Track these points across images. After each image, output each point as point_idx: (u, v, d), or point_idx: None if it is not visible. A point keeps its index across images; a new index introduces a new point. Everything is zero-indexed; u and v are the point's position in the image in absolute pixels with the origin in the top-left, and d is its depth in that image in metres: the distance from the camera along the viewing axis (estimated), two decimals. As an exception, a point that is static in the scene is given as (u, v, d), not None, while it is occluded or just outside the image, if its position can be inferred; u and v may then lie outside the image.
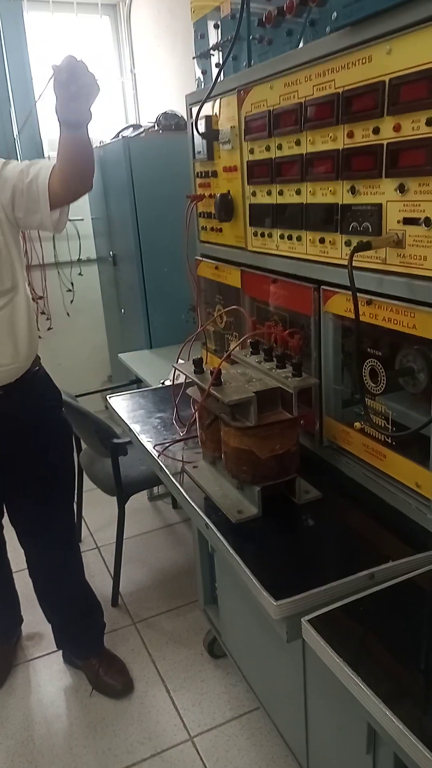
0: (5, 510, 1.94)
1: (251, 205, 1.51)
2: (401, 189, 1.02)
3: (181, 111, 2.81)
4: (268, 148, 1.39)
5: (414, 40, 0.94)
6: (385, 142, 1.04)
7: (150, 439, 1.62)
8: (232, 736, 1.87)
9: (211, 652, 2.17)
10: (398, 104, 0.99)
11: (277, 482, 1.26)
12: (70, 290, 4.08)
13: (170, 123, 3.02)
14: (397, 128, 1.01)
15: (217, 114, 1.60)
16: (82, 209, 3.71)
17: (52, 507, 1.89)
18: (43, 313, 4.01)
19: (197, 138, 1.68)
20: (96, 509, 3.02)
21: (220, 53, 1.60)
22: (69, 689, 2.10)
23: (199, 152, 1.71)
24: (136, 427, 1.71)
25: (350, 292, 1.09)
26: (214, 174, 1.68)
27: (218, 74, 1.49)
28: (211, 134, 1.63)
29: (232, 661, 1.97)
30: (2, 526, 2.03)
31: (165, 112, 3.05)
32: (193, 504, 1.31)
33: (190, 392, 1.42)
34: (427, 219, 0.98)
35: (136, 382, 2.89)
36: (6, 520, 1.96)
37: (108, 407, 1.95)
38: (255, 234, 1.52)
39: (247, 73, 1.43)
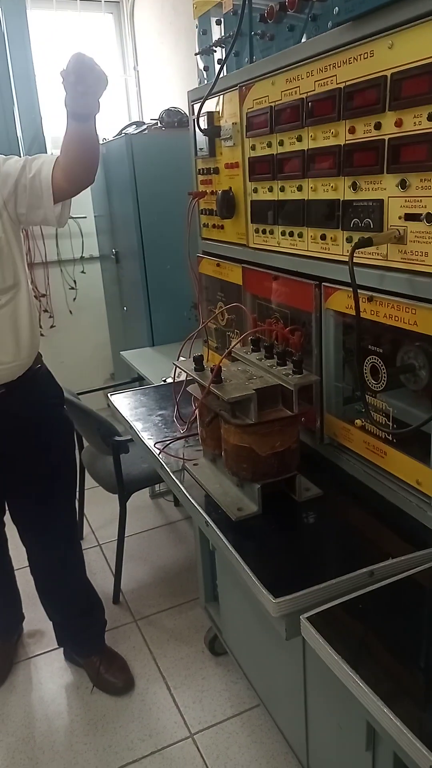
0: (7, 507, 1.94)
1: (253, 201, 1.51)
2: (403, 185, 1.02)
3: (184, 108, 2.80)
4: (269, 145, 1.38)
5: (416, 35, 0.94)
6: (386, 138, 1.03)
7: (151, 437, 1.62)
8: (233, 734, 1.87)
9: (212, 650, 2.17)
10: (400, 99, 0.99)
11: (278, 480, 1.25)
12: (72, 288, 4.08)
13: (173, 120, 3.01)
14: (398, 123, 1.00)
15: (219, 110, 1.60)
16: (84, 206, 3.71)
17: (54, 505, 1.89)
18: (45, 310, 4.01)
19: (199, 135, 1.67)
20: (98, 507, 3.02)
21: (223, 49, 1.60)
22: (70, 686, 2.11)
23: (201, 149, 1.70)
24: (137, 425, 1.71)
25: (351, 289, 1.08)
26: (216, 171, 1.67)
27: (220, 70, 1.48)
28: (213, 131, 1.63)
29: (233, 658, 1.97)
30: (4, 524, 2.03)
31: (168, 109, 3.04)
32: (193, 501, 1.31)
33: (190, 390, 1.41)
34: (428, 215, 0.98)
35: (138, 380, 2.89)
36: (8, 517, 1.97)
37: (109, 405, 1.95)
38: (256, 231, 1.51)
39: (248, 69, 1.42)
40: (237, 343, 1.45)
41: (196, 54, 1.74)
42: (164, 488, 3.19)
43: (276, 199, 1.40)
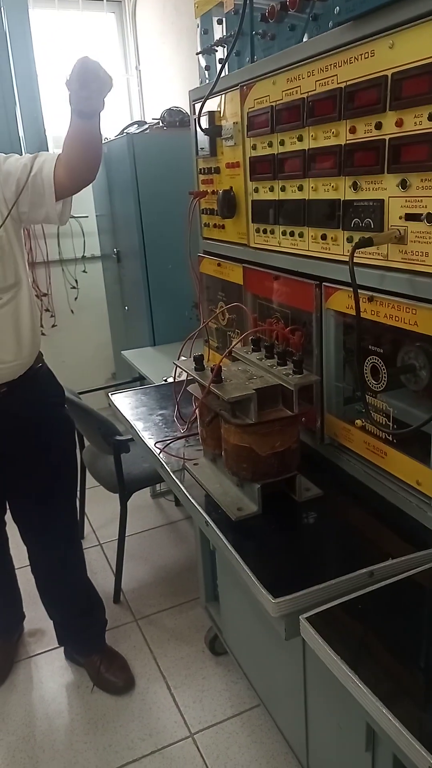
0: (8, 507, 1.94)
1: (253, 201, 1.51)
2: (403, 185, 1.02)
3: (186, 107, 2.80)
4: (270, 144, 1.38)
5: (416, 35, 0.93)
6: (387, 138, 1.03)
7: (151, 436, 1.62)
8: (233, 733, 1.87)
9: (212, 650, 2.17)
10: (400, 99, 0.99)
11: (278, 480, 1.25)
12: (74, 287, 4.08)
13: (175, 119, 3.01)
14: (399, 123, 1.00)
15: (220, 110, 1.59)
16: (86, 206, 3.71)
17: (55, 504, 1.89)
18: (47, 310, 4.01)
19: (200, 134, 1.67)
20: (99, 506, 3.02)
21: (224, 49, 1.60)
22: (70, 686, 2.11)
23: (202, 148, 1.70)
24: (137, 424, 1.71)
25: (352, 289, 1.08)
26: (217, 170, 1.67)
27: (221, 70, 1.48)
28: (214, 130, 1.62)
29: (233, 658, 1.97)
30: (5, 523, 2.03)
31: (169, 109, 3.04)
32: (193, 501, 1.31)
33: (191, 389, 1.41)
34: (429, 215, 0.98)
35: (139, 380, 2.89)
36: (8, 516, 1.97)
37: (110, 404, 1.95)
38: (257, 230, 1.51)
39: (249, 68, 1.42)
40: (237, 342, 1.45)
41: (197, 53, 1.74)
42: (165, 488, 3.19)
43: (277, 198, 1.40)
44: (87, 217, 3.81)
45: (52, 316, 4.04)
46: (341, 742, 1.31)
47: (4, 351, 1.65)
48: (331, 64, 1.13)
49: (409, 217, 1.02)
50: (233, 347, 1.43)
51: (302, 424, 1.37)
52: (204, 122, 1.63)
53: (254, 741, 1.84)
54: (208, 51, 1.68)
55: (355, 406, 1.33)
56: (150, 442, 1.58)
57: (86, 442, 2.74)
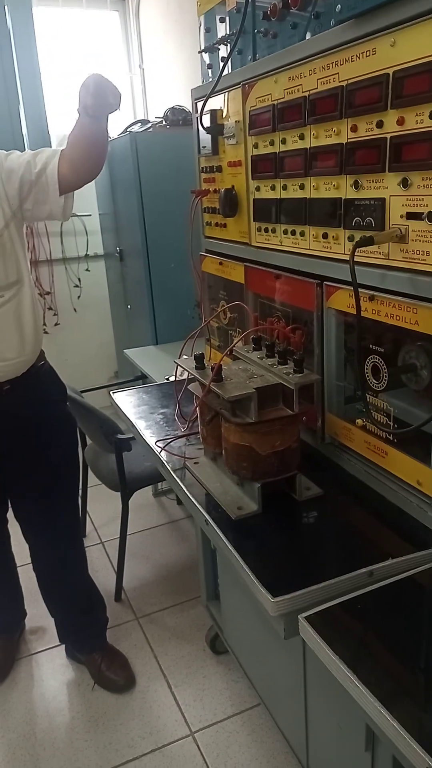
0: (9, 505, 1.95)
1: (255, 200, 1.50)
2: (404, 183, 1.01)
3: (189, 106, 2.79)
4: (272, 143, 1.38)
5: (417, 33, 0.93)
6: (388, 136, 1.03)
7: (152, 435, 1.62)
8: (233, 732, 1.87)
9: (213, 648, 2.17)
10: (402, 97, 0.98)
11: (278, 479, 1.25)
12: (77, 286, 4.08)
13: (178, 118, 3.01)
14: (400, 122, 0.99)
15: (222, 108, 1.59)
16: (89, 205, 3.71)
17: (57, 502, 1.90)
18: (50, 308, 4.02)
19: (202, 133, 1.67)
20: (101, 504, 3.03)
21: (227, 47, 1.59)
22: (71, 683, 2.11)
23: (204, 147, 1.70)
24: (139, 423, 1.71)
25: (352, 288, 1.08)
26: (219, 169, 1.67)
27: (223, 68, 1.48)
28: (216, 129, 1.62)
29: (234, 657, 1.97)
30: (7, 521, 2.03)
31: (173, 107, 3.04)
32: (193, 500, 1.31)
33: (191, 388, 1.41)
34: (430, 213, 0.97)
35: (142, 378, 2.89)
36: (10, 514, 1.97)
37: (112, 403, 1.95)
38: (259, 229, 1.51)
39: (251, 66, 1.42)
40: (238, 341, 1.45)
41: (199, 51, 1.74)
42: (167, 486, 3.19)
43: (278, 197, 1.40)
44: (90, 215, 3.81)
45: (55, 314, 4.05)
46: (341, 741, 1.31)
47: (7, 348, 1.65)
48: (332, 63, 1.13)
49: (410, 215, 1.02)
50: (234, 346, 1.43)
51: (303, 423, 1.37)
52: (206, 121, 1.62)
53: (254, 740, 1.84)
54: (210, 49, 1.68)
55: (355, 405, 1.33)
56: (151, 441, 1.58)
57: (88, 441, 2.75)
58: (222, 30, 1.61)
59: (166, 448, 1.52)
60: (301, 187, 1.30)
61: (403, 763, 0.79)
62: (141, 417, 1.76)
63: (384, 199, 1.07)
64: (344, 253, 1.20)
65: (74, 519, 2.04)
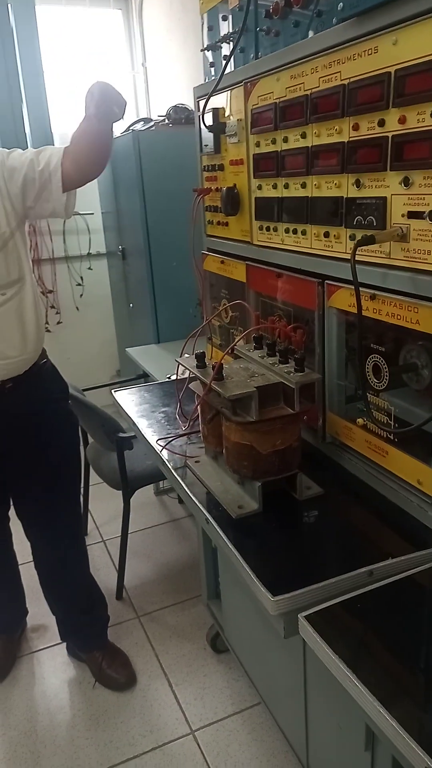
0: (11, 503, 1.95)
1: (257, 198, 1.50)
2: (406, 182, 1.01)
3: (192, 104, 2.79)
4: (274, 141, 1.38)
5: (419, 31, 0.93)
6: (390, 135, 1.02)
7: (154, 434, 1.62)
8: (233, 731, 1.87)
9: (213, 647, 2.17)
10: (404, 96, 0.98)
11: (279, 478, 1.25)
12: (79, 284, 4.09)
13: (180, 116, 3.01)
14: (402, 120, 0.99)
15: (225, 107, 1.59)
16: (92, 203, 3.71)
17: (58, 500, 1.90)
18: (52, 307, 4.02)
19: (204, 131, 1.67)
20: (102, 503, 3.03)
21: (229, 45, 1.59)
22: (72, 681, 2.12)
23: (206, 145, 1.70)
24: (140, 422, 1.71)
25: (354, 287, 1.08)
26: (221, 167, 1.67)
27: (225, 66, 1.48)
28: (218, 127, 1.62)
29: (234, 656, 1.97)
30: (9, 519, 2.04)
31: (175, 106, 3.04)
32: (194, 499, 1.31)
33: (192, 387, 1.41)
34: (431, 212, 0.97)
35: (143, 377, 2.89)
36: (12, 512, 1.98)
37: (114, 401, 1.95)
38: (260, 228, 1.51)
39: (254, 65, 1.42)
40: (239, 340, 1.44)
41: (202, 50, 1.74)
42: (168, 485, 3.19)
43: (280, 196, 1.39)
44: (92, 214, 3.81)
45: (57, 312, 4.05)
46: (341, 741, 1.31)
47: (10, 347, 1.65)
48: (334, 61, 1.13)
49: (412, 214, 1.01)
50: (235, 345, 1.43)
51: (304, 423, 1.37)
52: (208, 119, 1.62)
53: (255, 739, 1.84)
54: (213, 47, 1.68)
55: (357, 404, 1.33)
56: (152, 440, 1.58)
57: (90, 439, 2.75)
58: (225, 28, 1.61)
59: (167, 446, 1.52)
60: (303, 185, 1.29)
61: (402, 763, 0.79)
62: (142, 415, 1.76)
63: (385, 198, 1.06)
64: (345, 252, 1.20)
65: (76, 517, 2.04)
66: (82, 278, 4.08)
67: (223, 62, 1.56)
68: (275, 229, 1.44)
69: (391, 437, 1.19)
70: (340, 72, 1.12)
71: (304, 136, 1.26)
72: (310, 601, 0.98)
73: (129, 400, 1.89)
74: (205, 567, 2.06)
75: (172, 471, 1.43)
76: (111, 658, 2.11)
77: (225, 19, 1.59)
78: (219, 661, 2.14)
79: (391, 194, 1.05)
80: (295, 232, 1.36)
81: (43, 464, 1.81)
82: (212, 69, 1.72)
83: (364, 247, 1.09)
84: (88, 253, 4.03)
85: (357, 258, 1.07)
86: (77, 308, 4.11)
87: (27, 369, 1.71)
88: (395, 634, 0.94)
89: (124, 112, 1.50)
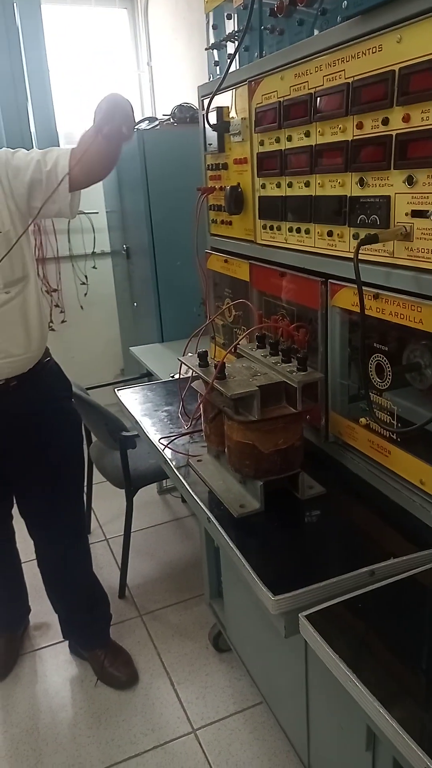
0: (15, 500, 1.95)
1: (261, 197, 1.50)
2: (409, 181, 1.01)
3: (197, 103, 2.79)
4: (278, 140, 1.38)
5: (424, 29, 0.92)
6: (394, 133, 1.02)
7: (157, 433, 1.62)
8: (235, 730, 1.87)
9: (216, 646, 2.17)
10: (408, 94, 0.98)
11: (281, 477, 1.25)
12: (84, 283, 4.09)
13: (185, 115, 3.00)
14: (406, 119, 0.99)
15: (229, 106, 1.59)
16: (96, 202, 3.72)
17: (62, 498, 1.90)
18: (57, 305, 4.03)
19: (208, 130, 1.67)
20: (106, 501, 3.03)
21: (233, 44, 1.59)
22: (74, 679, 2.12)
23: (211, 144, 1.70)
24: (143, 420, 1.71)
25: (357, 286, 1.07)
26: (225, 166, 1.67)
27: (229, 65, 1.47)
28: (223, 126, 1.62)
29: (237, 655, 1.97)
30: (12, 517, 2.04)
31: (180, 105, 3.04)
32: (196, 498, 1.30)
33: (195, 386, 1.41)
34: (435, 212, 0.97)
35: (147, 376, 2.89)
36: (15, 510, 1.98)
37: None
38: (264, 227, 1.51)
39: (258, 63, 1.41)
40: (241, 339, 1.44)
41: (206, 49, 1.73)
42: (171, 484, 3.19)
43: (283, 195, 1.39)
44: (97, 213, 3.82)
45: (61, 311, 4.06)
46: (342, 741, 1.30)
47: (14, 344, 1.65)
48: (338, 59, 1.12)
49: (416, 213, 1.01)
50: (237, 344, 1.43)
51: (306, 422, 1.37)
52: (212, 118, 1.62)
53: (256, 738, 1.84)
54: (217, 46, 1.68)
55: (359, 404, 1.32)
56: (155, 438, 1.58)
57: (93, 438, 2.75)
58: (229, 27, 1.61)
59: (169, 445, 1.51)
60: (307, 184, 1.29)
61: (403, 763, 0.78)
62: (145, 414, 1.76)
63: (389, 196, 1.06)
64: (349, 251, 1.20)
65: (79, 516, 2.04)
66: (86, 277, 4.08)
67: (228, 61, 1.56)
68: (279, 228, 1.44)
69: (394, 437, 1.19)
70: (344, 70, 1.12)
71: (308, 134, 1.26)
72: (311, 601, 0.97)
73: (132, 399, 1.89)
74: (207, 566, 2.06)
75: (175, 470, 1.43)
76: (113, 657, 2.11)
77: (230, 17, 1.59)
78: (221, 660, 2.14)
79: (395, 193, 1.05)
80: (298, 231, 1.35)
81: (46, 462, 1.81)
82: (217, 68, 1.72)
83: (367, 246, 1.08)
84: (93, 252, 4.03)
85: (360, 257, 1.07)
86: (81, 307, 4.12)
87: (31, 367, 1.71)
88: (396, 634, 0.93)
89: (132, 133, 1.49)
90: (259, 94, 1.42)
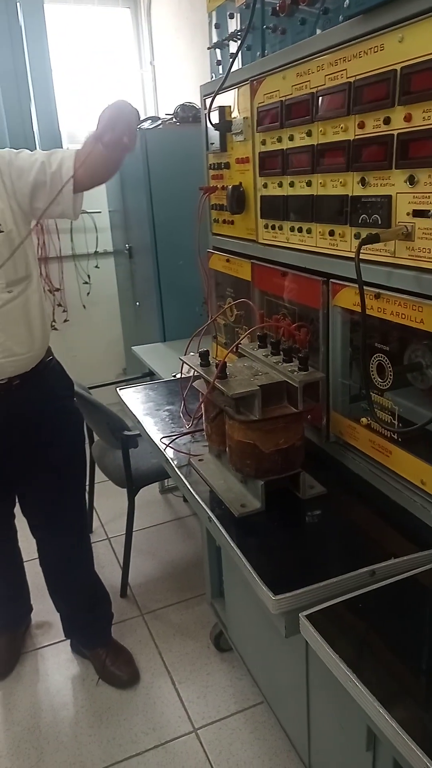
0: (17, 500, 1.96)
1: (262, 197, 1.50)
2: (411, 180, 1.00)
3: (199, 103, 2.79)
4: (279, 139, 1.37)
5: (426, 29, 0.92)
6: (395, 133, 1.02)
7: (158, 432, 1.62)
8: (236, 730, 1.87)
9: (217, 646, 2.17)
10: (409, 94, 0.97)
11: (281, 477, 1.25)
12: (86, 283, 4.09)
13: (188, 115, 3.00)
14: (407, 118, 0.99)
15: (231, 105, 1.59)
16: (99, 202, 3.72)
17: (64, 497, 1.90)
18: (59, 305, 4.03)
19: (211, 129, 1.67)
20: (108, 500, 3.04)
21: (236, 43, 1.59)
22: (76, 678, 2.12)
23: (213, 144, 1.69)
24: (145, 420, 1.71)
25: (358, 286, 1.07)
26: (227, 166, 1.67)
27: (231, 64, 1.47)
28: (225, 125, 1.62)
29: (238, 655, 1.97)
30: (14, 516, 2.05)
31: (183, 104, 3.04)
32: (197, 497, 1.31)
33: (196, 385, 1.41)
34: (436, 211, 0.97)
35: (149, 375, 2.90)
36: (18, 509, 1.98)
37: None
38: (266, 226, 1.51)
39: (260, 63, 1.41)
40: (243, 338, 1.44)
41: (208, 48, 1.73)
42: (173, 483, 3.19)
43: (285, 194, 1.39)
44: (100, 212, 3.82)
45: (64, 311, 4.06)
46: (342, 741, 1.30)
47: (18, 343, 1.66)
48: (340, 59, 1.12)
49: (417, 213, 1.01)
50: (239, 343, 1.43)
51: (308, 422, 1.37)
52: (214, 117, 1.62)
53: (257, 738, 1.84)
54: (219, 45, 1.68)
55: (361, 404, 1.32)
56: (156, 438, 1.58)
57: (95, 437, 2.75)
58: (232, 26, 1.61)
59: (171, 445, 1.52)
60: (308, 184, 1.29)
61: (403, 764, 0.78)
62: (147, 414, 1.76)
63: (390, 196, 1.06)
64: (350, 251, 1.19)
65: (81, 515, 2.05)
66: (89, 276, 4.08)
67: (230, 60, 1.56)
68: (280, 228, 1.44)
69: (395, 437, 1.19)
70: (346, 70, 1.11)
71: (309, 134, 1.25)
72: (312, 601, 0.97)
73: (134, 399, 1.89)
74: (209, 565, 2.06)
75: (176, 469, 1.43)
76: (114, 656, 2.11)
77: (232, 17, 1.59)
78: (222, 659, 2.14)
79: (397, 192, 1.05)
80: (300, 230, 1.35)
81: (48, 461, 1.82)
82: (219, 67, 1.72)
83: (369, 246, 1.08)
84: (95, 252, 4.04)
85: (362, 257, 1.07)
86: (84, 306, 4.12)
87: (34, 366, 1.72)
88: (397, 634, 0.93)
89: (134, 143, 1.47)
90: (261, 94, 1.42)
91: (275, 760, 1.76)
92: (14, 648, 2.22)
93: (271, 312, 1.56)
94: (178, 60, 3.67)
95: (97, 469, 2.73)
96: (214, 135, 1.67)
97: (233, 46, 1.61)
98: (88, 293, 4.12)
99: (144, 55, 4.14)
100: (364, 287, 1.08)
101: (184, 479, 1.38)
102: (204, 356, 1.35)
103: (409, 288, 1.06)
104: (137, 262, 3.35)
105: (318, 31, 1.23)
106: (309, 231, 1.32)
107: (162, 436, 1.57)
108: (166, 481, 3.13)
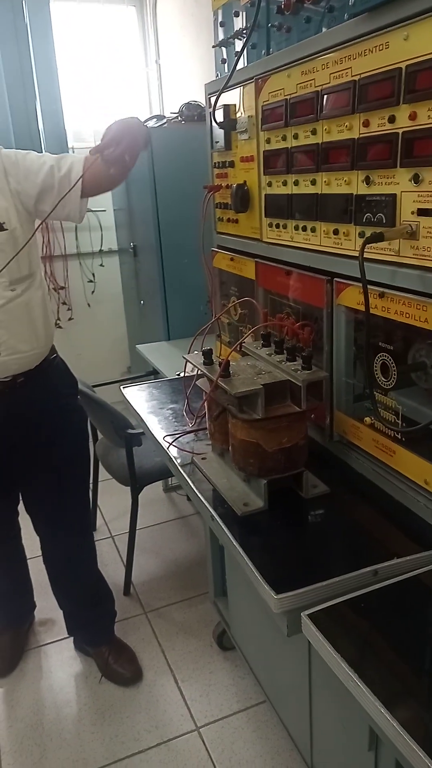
0: (21, 497, 1.96)
1: (267, 195, 1.50)
2: (416, 179, 1.00)
3: (204, 101, 2.79)
4: (284, 138, 1.37)
5: (431, 27, 0.92)
6: (400, 131, 1.01)
7: (162, 430, 1.62)
8: (238, 728, 1.87)
9: (220, 644, 2.17)
10: (414, 92, 0.97)
11: (284, 476, 1.24)
12: (91, 281, 4.10)
13: (193, 113, 3.00)
14: (412, 117, 0.98)
15: (236, 103, 1.59)
16: (104, 200, 3.71)
17: (67, 495, 1.91)
18: (64, 303, 4.04)
19: (215, 127, 1.67)
20: (111, 498, 3.04)
21: (241, 41, 1.58)
22: (79, 676, 2.13)
23: (217, 142, 1.69)
24: (148, 418, 1.71)
25: (362, 285, 1.07)
26: (232, 164, 1.66)
27: (236, 62, 1.47)
28: (229, 124, 1.61)
29: (240, 653, 1.97)
30: (18, 513, 2.05)
31: (188, 103, 3.03)
32: (200, 495, 1.31)
33: (200, 384, 1.41)
34: (441, 210, 0.96)
35: (153, 374, 2.89)
36: (21, 507, 1.99)
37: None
38: (270, 225, 1.50)
39: (265, 61, 1.41)
40: (246, 337, 1.44)
41: (213, 46, 1.73)
42: (177, 482, 3.19)
43: (290, 193, 1.39)
44: (105, 211, 3.82)
45: (69, 309, 4.07)
46: (344, 740, 1.30)
47: (21, 341, 1.66)
48: (345, 57, 1.12)
49: (422, 212, 1.01)
50: (242, 342, 1.43)
51: (311, 421, 1.36)
52: (219, 116, 1.62)
53: (259, 737, 1.84)
54: (225, 44, 1.67)
55: (364, 403, 1.32)
56: (160, 436, 1.58)
57: (99, 435, 2.76)
58: (237, 24, 1.60)
59: (174, 443, 1.52)
60: (313, 182, 1.29)
61: (404, 765, 0.78)
62: (151, 412, 1.76)
63: (395, 195, 1.05)
64: (355, 250, 1.19)
65: (85, 512, 2.05)
66: (93, 275, 4.09)
67: (235, 58, 1.56)
68: (285, 227, 1.44)
69: (399, 436, 1.18)
70: (350, 68, 1.11)
71: (314, 132, 1.25)
72: (314, 600, 0.97)
73: (138, 397, 1.89)
74: (212, 564, 2.06)
75: (179, 468, 1.43)
76: (117, 654, 2.12)
77: (237, 15, 1.59)
78: (225, 658, 2.14)
79: (401, 191, 1.04)
80: (304, 229, 1.35)
81: (52, 459, 1.82)
82: (224, 65, 1.72)
83: (373, 245, 1.08)
84: (100, 250, 4.04)
85: (366, 255, 1.06)
86: (89, 305, 4.12)
87: (38, 364, 1.72)
88: (399, 634, 0.93)
89: (135, 161, 1.48)
90: (266, 92, 1.42)
91: (277, 759, 1.76)
92: (17, 645, 2.22)
93: (275, 311, 1.56)
94: (183, 58, 3.67)
95: (100, 467, 2.73)
96: (219, 133, 1.66)
97: (238, 45, 1.61)
98: (93, 292, 4.12)
99: (149, 53, 4.14)
100: (369, 286, 1.08)
101: (187, 478, 1.38)
102: (207, 355, 1.35)
103: (413, 287, 1.06)
104: (142, 260, 3.35)
105: (323, 29, 1.22)
106: (313, 230, 1.32)
107: (165, 434, 1.57)
108: (169, 479, 3.13)
